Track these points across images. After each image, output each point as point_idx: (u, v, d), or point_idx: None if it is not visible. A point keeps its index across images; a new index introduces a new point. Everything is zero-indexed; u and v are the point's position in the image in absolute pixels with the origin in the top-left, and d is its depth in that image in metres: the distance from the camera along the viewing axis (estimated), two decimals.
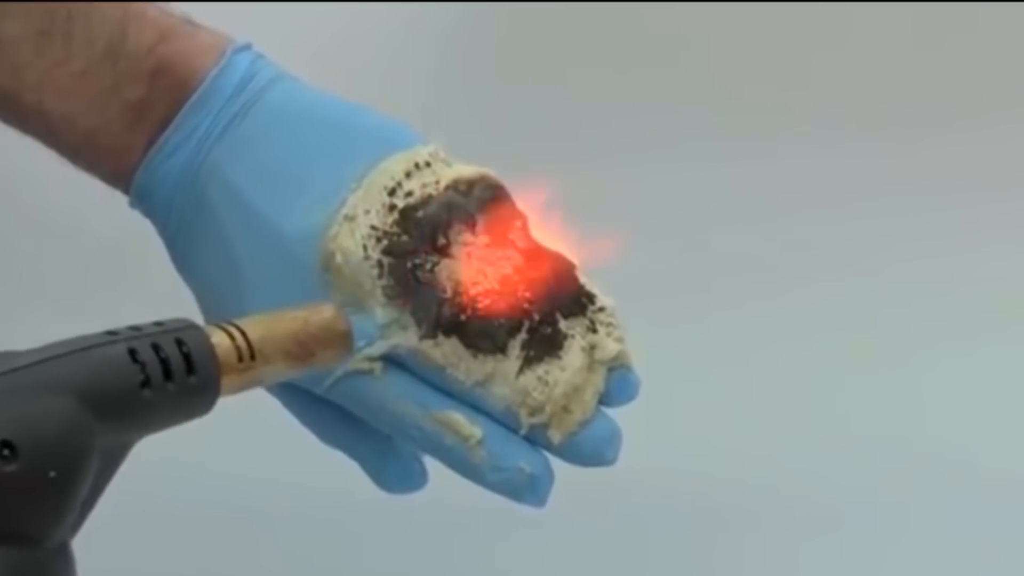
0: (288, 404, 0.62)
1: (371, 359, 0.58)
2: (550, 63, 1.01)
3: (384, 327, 0.57)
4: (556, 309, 0.59)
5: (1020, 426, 0.85)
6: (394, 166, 0.58)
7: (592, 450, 0.59)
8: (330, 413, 0.61)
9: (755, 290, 0.91)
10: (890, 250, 0.94)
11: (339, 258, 0.57)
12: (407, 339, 0.58)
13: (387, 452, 0.61)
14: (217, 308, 0.60)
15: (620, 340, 0.59)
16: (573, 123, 0.98)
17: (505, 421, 0.59)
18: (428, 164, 0.59)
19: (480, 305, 0.58)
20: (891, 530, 0.77)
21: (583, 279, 0.59)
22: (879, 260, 0.93)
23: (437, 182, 0.58)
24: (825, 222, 0.94)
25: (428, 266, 0.57)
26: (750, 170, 0.96)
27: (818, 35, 1.01)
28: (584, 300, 0.59)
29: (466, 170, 0.59)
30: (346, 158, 0.59)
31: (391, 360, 0.58)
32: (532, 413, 0.58)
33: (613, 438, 0.59)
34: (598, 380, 0.59)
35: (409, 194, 0.58)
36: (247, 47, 0.62)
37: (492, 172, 0.59)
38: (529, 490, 0.58)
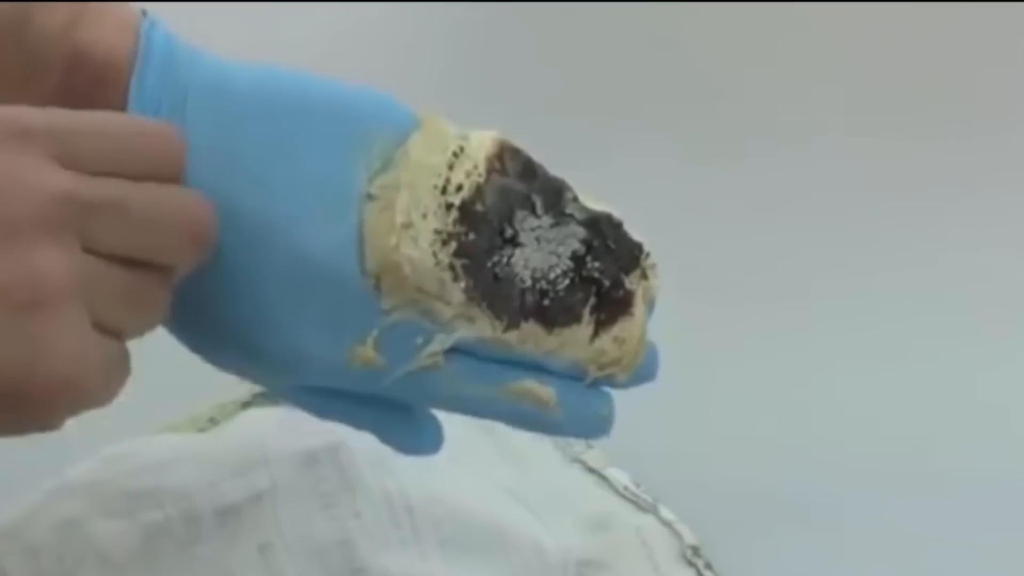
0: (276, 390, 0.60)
1: (434, 355, 0.56)
2: (552, 64, 1.00)
3: (449, 322, 0.56)
4: (620, 270, 0.59)
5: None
6: (433, 160, 0.56)
7: (646, 374, 0.61)
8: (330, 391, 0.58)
9: (757, 291, 0.90)
10: (901, 252, 0.92)
11: (407, 269, 0.55)
12: (477, 330, 0.56)
13: (398, 418, 0.59)
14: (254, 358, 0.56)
15: (656, 274, 0.60)
16: (575, 125, 0.96)
17: (571, 373, 0.59)
18: (463, 149, 0.56)
19: (559, 287, 0.57)
20: (893, 526, 0.77)
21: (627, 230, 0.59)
22: (888, 262, 0.92)
23: (475, 166, 0.56)
24: (836, 223, 0.93)
25: (504, 261, 0.56)
26: (753, 172, 0.96)
27: (827, 39, 1.01)
28: (636, 252, 0.59)
29: (485, 142, 0.57)
30: (339, 148, 0.55)
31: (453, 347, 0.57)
32: (603, 367, 0.59)
33: (656, 356, 0.61)
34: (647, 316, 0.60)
35: (459, 188, 0.56)
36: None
37: (496, 133, 0.57)
38: (605, 428, 0.60)
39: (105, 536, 0.65)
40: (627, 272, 0.59)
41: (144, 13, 0.55)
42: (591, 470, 0.73)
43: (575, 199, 0.58)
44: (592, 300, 0.58)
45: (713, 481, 0.77)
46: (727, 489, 0.77)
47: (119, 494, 0.67)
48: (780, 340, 0.86)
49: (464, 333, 0.56)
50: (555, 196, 0.58)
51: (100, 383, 0.49)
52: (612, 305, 0.59)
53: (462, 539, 0.67)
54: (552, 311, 0.57)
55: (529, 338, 0.57)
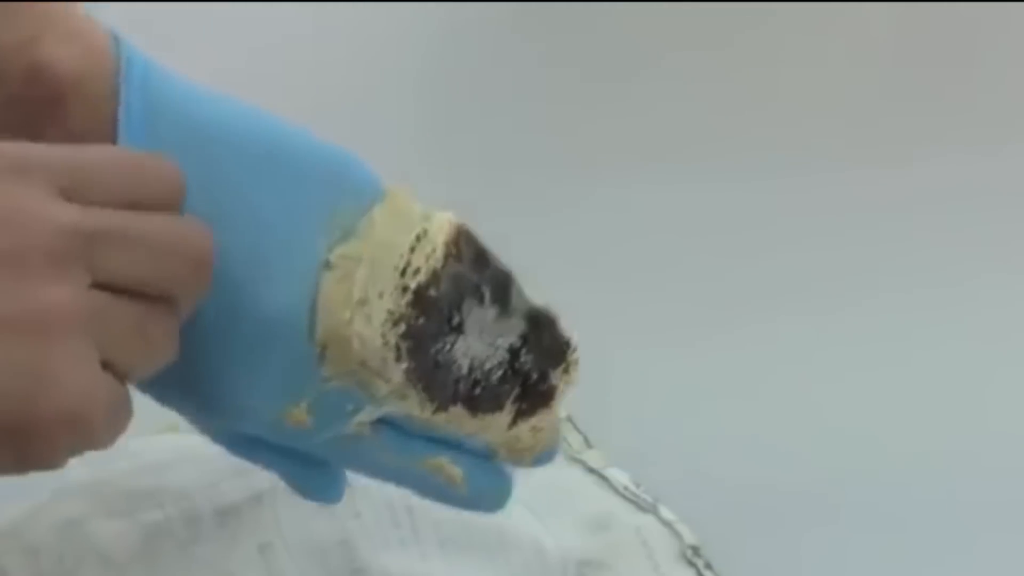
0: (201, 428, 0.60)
1: (362, 424, 0.57)
2: (545, 67, 1.00)
3: (383, 397, 0.56)
4: (548, 365, 0.59)
5: None
6: (398, 239, 0.56)
7: (546, 460, 0.62)
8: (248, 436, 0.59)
9: (758, 295, 0.90)
10: (903, 261, 0.92)
11: (356, 344, 0.55)
12: (407, 408, 0.57)
13: (314, 472, 0.60)
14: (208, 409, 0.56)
15: (577, 369, 0.60)
16: (566, 130, 0.95)
17: (482, 452, 0.60)
18: (426, 232, 0.56)
19: (492, 377, 0.58)
20: (894, 527, 0.77)
21: (562, 326, 0.60)
22: (887, 271, 0.91)
23: (433, 250, 0.56)
24: (837, 235, 0.93)
25: (447, 348, 0.57)
26: (760, 190, 0.95)
27: (822, 56, 1.01)
28: (564, 348, 0.60)
29: (444, 225, 0.57)
30: (302, 207, 0.54)
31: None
32: (513, 452, 0.60)
33: (559, 445, 0.62)
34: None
35: (417, 271, 0.56)
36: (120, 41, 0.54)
37: (454, 216, 0.57)
38: (503, 504, 0.61)
39: (105, 536, 0.65)
40: (554, 367, 0.59)
41: (116, 39, 0.54)
42: (591, 470, 0.73)
43: (520, 292, 0.58)
44: (517, 390, 0.59)
45: (713, 481, 0.77)
46: (727, 489, 0.77)
47: (119, 494, 0.67)
48: (781, 343, 0.86)
49: (394, 408, 0.57)
50: (502, 289, 0.58)
51: (105, 422, 0.49)
52: (535, 397, 0.59)
53: (462, 539, 0.67)
54: (481, 399, 0.58)
55: (454, 420, 0.58)
